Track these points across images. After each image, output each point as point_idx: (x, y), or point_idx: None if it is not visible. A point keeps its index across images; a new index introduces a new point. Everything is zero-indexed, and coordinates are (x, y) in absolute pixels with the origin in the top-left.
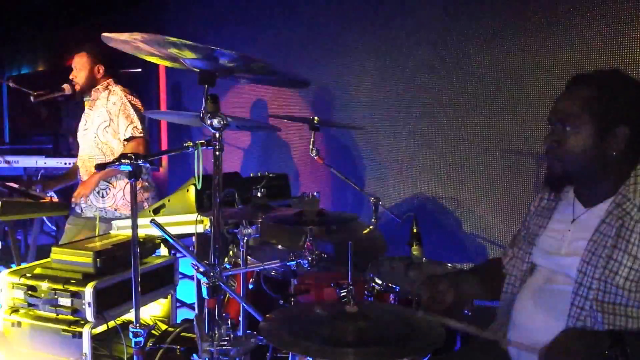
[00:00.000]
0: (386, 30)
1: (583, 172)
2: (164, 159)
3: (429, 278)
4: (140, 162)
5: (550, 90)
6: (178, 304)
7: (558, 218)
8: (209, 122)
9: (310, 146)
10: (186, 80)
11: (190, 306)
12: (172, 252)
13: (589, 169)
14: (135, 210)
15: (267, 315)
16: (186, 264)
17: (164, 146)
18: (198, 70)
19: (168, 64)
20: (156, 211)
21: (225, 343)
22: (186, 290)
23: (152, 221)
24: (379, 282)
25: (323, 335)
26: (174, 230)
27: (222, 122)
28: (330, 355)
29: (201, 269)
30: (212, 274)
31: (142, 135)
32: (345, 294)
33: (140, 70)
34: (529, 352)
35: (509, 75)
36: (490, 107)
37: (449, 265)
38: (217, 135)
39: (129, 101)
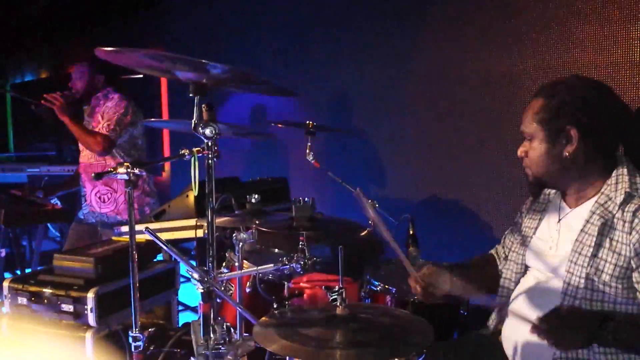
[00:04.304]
0: (383, 34)
1: (549, 177)
2: (167, 164)
3: (429, 268)
4: (136, 170)
5: None
6: (181, 307)
7: (547, 220)
8: (201, 131)
9: (307, 150)
10: (187, 86)
11: (194, 309)
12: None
13: (552, 173)
14: (133, 218)
15: (261, 319)
16: None
17: (166, 151)
18: (190, 82)
19: (162, 75)
20: (157, 217)
21: (220, 347)
22: (189, 293)
23: (147, 229)
24: (376, 283)
25: (315, 338)
26: (175, 235)
27: (214, 132)
28: (321, 357)
29: (195, 275)
30: (206, 279)
31: (107, 133)
32: (336, 296)
33: (141, 76)
34: (525, 322)
35: (505, 77)
36: (488, 109)
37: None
38: (210, 143)
39: (124, 106)
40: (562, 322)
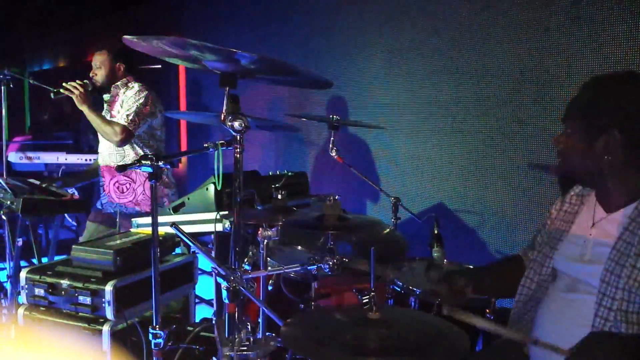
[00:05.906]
0: (406, 29)
1: (580, 174)
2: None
3: (448, 274)
4: (160, 163)
5: (574, 90)
6: (197, 300)
7: (579, 223)
8: (229, 124)
9: (330, 145)
10: (206, 77)
11: (209, 302)
12: (192, 249)
13: (585, 171)
14: (156, 210)
15: (288, 320)
16: (205, 260)
17: (184, 143)
18: (219, 72)
19: (188, 65)
20: (176, 209)
21: (245, 348)
22: (205, 286)
23: (173, 225)
24: (400, 284)
25: (344, 342)
26: (193, 229)
27: (243, 125)
28: None
29: (222, 273)
30: (232, 278)
31: (126, 123)
32: (367, 300)
33: (160, 66)
34: (554, 353)
35: (533, 73)
36: (513, 106)
37: (471, 267)
38: (238, 137)
39: (143, 96)
40: (599, 348)
